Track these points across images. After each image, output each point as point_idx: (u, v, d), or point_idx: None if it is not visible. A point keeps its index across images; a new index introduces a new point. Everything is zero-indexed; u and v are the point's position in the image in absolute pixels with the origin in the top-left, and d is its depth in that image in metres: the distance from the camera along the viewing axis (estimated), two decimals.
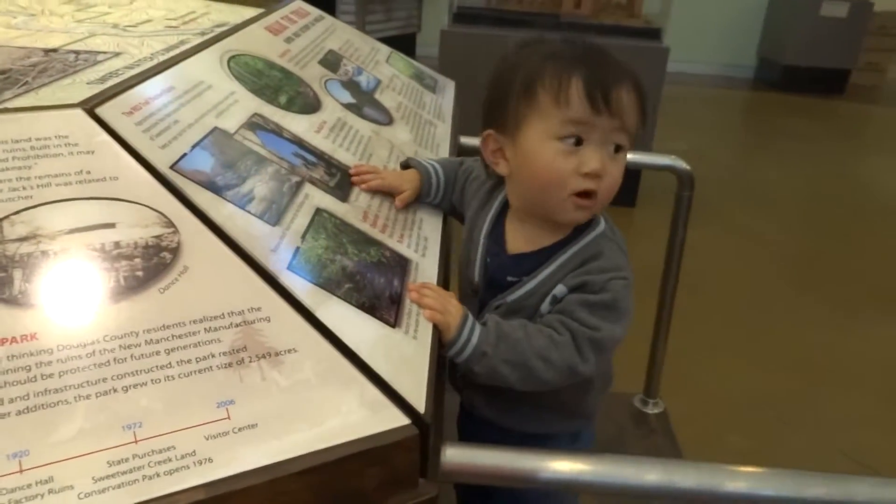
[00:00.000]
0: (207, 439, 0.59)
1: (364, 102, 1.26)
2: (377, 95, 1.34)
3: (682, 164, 1.75)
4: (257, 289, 0.69)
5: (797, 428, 2.10)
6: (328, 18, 1.58)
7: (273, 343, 0.66)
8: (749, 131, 5.20)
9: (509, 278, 0.93)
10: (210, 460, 0.58)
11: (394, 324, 0.75)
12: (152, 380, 0.61)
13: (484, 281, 0.96)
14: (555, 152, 0.84)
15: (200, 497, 0.56)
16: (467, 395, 1.00)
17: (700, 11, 5.97)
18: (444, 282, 0.90)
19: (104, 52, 1.13)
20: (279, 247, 0.75)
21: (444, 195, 1.07)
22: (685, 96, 5.41)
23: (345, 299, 0.74)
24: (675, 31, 3.89)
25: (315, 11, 1.57)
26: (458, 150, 1.69)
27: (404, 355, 0.72)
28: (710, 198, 3.54)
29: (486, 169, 0.98)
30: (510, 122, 0.89)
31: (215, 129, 0.87)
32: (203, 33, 1.25)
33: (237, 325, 0.66)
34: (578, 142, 0.84)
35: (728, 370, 2.34)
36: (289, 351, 0.66)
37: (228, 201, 0.76)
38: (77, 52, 1.13)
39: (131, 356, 0.61)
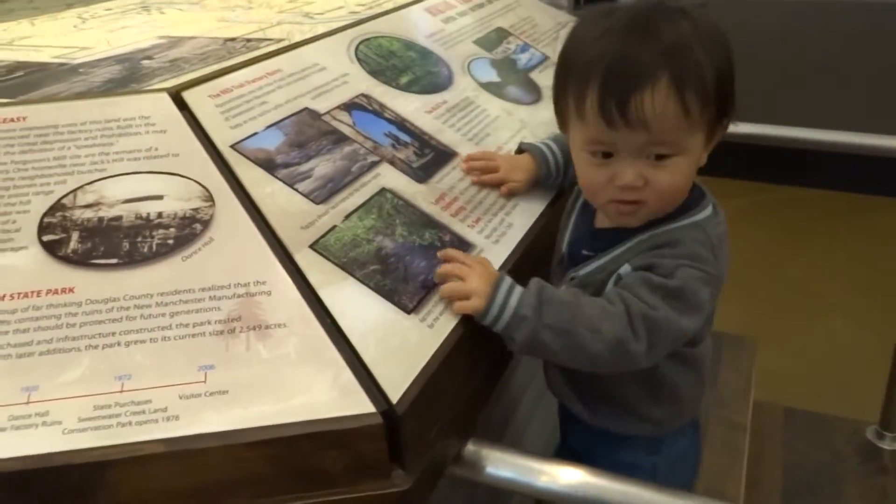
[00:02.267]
0: (181, 398, 0.64)
1: (510, 81, 1.22)
2: (534, 73, 1.29)
3: None
4: (268, 263, 0.72)
5: None
6: None
7: (267, 316, 0.68)
8: None
9: (584, 252, 0.87)
10: (177, 418, 0.63)
11: (411, 310, 0.73)
12: (151, 339, 0.67)
13: (567, 252, 0.91)
14: (587, 163, 0.80)
15: (159, 450, 0.61)
16: (549, 375, 0.96)
17: None
18: (516, 270, 0.85)
19: (269, 40, 1.25)
20: (313, 224, 0.77)
21: (565, 173, 1.01)
22: None
23: (363, 281, 0.74)
24: None
25: None
26: None
27: (407, 342, 0.70)
28: None
29: None
30: (560, 118, 0.85)
31: (305, 109, 0.92)
32: (373, 16, 1.31)
33: (239, 296, 0.70)
34: (607, 155, 0.77)
35: None
36: (279, 325, 0.68)
37: (278, 179, 0.80)
38: (248, 41, 1.26)
39: (141, 315, 0.68)
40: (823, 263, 2.64)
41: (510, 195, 0.97)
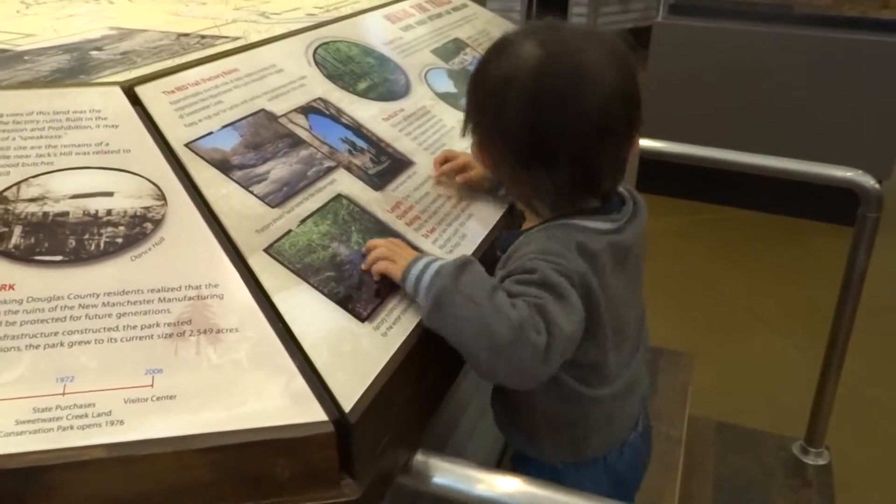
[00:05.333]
0: (126, 402, 0.62)
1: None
2: None
3: (866, 180, 1.49)
4: (221, 266, 0.71)
5: None
6: (472, 7, 1.57)
7: (218, 320, 0.67)
8: None
9: (498, 253, 0.88)
10: (122, 422, 0.61)
11: (365, 318, 0.73)
12: (96, 339, 0.65)
13: None
14: None
15: (101, 455, 0.59)
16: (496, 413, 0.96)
17: None
18: None
19: (224, 37, 1.22)
20: (268, 228, 0.76)
21: None
22: None
23: (317, 287, 0.73)
24: None
25: (458, 0, 1.56)
26: None
27: (360, 350, 0.70)
28: None
29: None
30: None
31: (261, 110, 0.91)
32: (332, 20, 1.30)
33: (190, 299, 0.68)
34: None
35: None
36: (231, 330, 0.67)
37: (233, 180, 0.79)
38: (203, 37, 1.23)
39: (86, 315, 0.66)
40: (757, 282, 2.73)
41: (465, 183, 0.99)
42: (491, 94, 0.81)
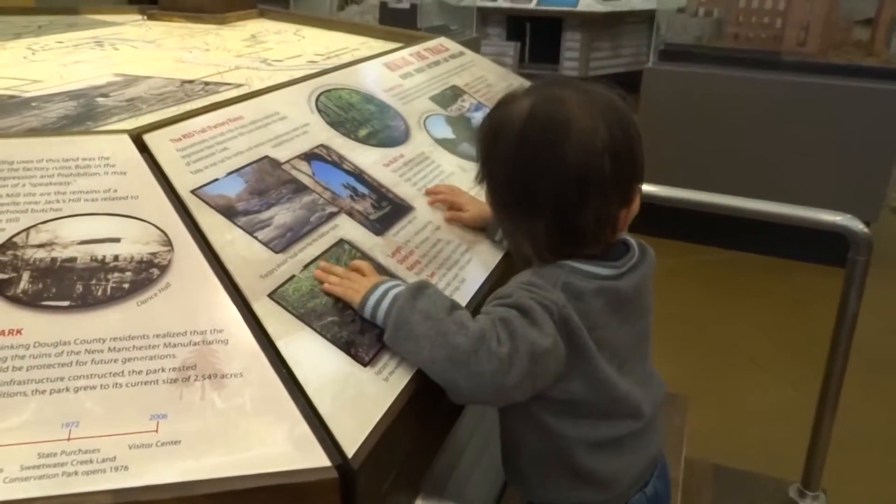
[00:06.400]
0: (130, 448, 0.62)
1: (464, 139, 1.26)
2: None
3: (856, 225, 1.51)
4: (226, 311, 0.72)
5: None
6: (469, 55, 1.61)
7: (222, 365, 0.68)
8: None
9: None
10: (126, 468, 0.61)
11: (367, 363, 0.74)
12: (102, 385, 0.66)
13: None
14: None
15: (106, 502, 0.59)
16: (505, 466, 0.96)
17: None
18: None
19: (228, 84, 1.26)
20: (272, 273, 0.78)
21: None
22: None
23: (320, 332, 0.74)
24: None
25: (455, 48, 1.60)
26: None
27: (363, 395, 0.71)
28: None
29: None
30: None
31: (265, 157, 0.93)
32: (334, 68, 1.33)
33: (195, 344, 0.69)
34: None
35: None
36: (235, 375, 0.68)
37: (238, 226, 0.81)
38: (207, 84, 1.27)
39: (91, 360, 0.67)
40: (751, 324, 2.75)
41: (452, 220, 1.03)
42: (483, 142, 0.86)
